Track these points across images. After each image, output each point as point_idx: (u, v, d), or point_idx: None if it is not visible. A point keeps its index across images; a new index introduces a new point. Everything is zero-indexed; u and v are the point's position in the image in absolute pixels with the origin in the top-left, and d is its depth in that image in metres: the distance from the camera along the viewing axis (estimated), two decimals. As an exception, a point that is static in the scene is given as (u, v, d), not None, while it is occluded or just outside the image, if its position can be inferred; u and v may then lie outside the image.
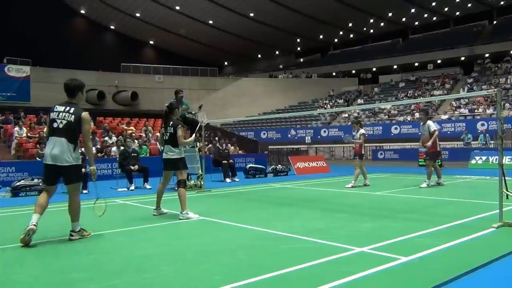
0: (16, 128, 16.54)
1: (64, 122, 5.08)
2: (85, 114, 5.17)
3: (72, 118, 5.07)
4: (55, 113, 5.14)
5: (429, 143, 10.35)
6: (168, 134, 6.84)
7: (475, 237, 4.91)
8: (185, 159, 6.91)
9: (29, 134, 16.32)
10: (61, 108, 5.15)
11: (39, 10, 36.44)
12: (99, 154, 15.25)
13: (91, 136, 5.72)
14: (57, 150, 5.04)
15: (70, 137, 5.08)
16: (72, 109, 5.13)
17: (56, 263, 4.24)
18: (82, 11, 44.26)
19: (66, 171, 5.10)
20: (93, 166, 5.40)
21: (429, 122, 10.73)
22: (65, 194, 9.62)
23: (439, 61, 40.55)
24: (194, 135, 7.72)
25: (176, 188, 6.85)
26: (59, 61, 33.76)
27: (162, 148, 7.32)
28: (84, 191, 10.65)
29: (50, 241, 5.16)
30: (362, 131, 11.40)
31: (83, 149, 11.46)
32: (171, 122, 6.87)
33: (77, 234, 5.22)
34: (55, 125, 5.09)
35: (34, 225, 4.89)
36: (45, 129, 5.38)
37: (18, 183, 10.49)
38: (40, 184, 10.57)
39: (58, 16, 39.66)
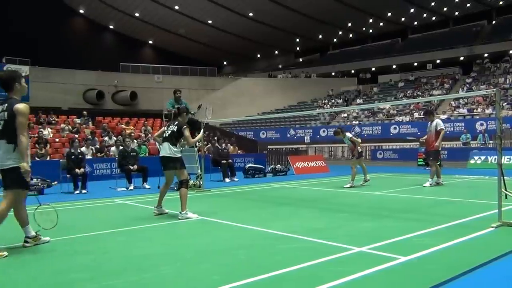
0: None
1: (2, 122, 4.57)
2: (19, 106, 4.52)
3: (6, 115, 4.53)
4: None
5: (437, 143, 10.41)
6: (169, 131, 6.86)
7: (474, 237, 4.91)
8: (182, 158, 6.92)
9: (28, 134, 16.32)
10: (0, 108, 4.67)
11: (38, 9, 36.37)
12: (98, 154, 15.27)
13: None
14: None
15: (9, 136, 4.53)
16: (6, 105, 4.59)
17: (55, 263, 4.24)
18: (81, 11, 44.21)
19: (5, 174, 4.58)
20: (24, 163, 4.51)
21: (438, 120, 10.83)
22: (64, 193, 9.60)
23: (438, 61, 40.58)
24: (202, 132, 7.82)
25: (175, 188, 6.86)
26: (58, 61, 33.74)
27: (160, 146, 7.32)
28: (84, 191, 10.67)
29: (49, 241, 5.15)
30: (348, 135, 11.41)
31: (83, 148, 11.35)
32: (176, 122, 6.94)
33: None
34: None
35: (26, 241, 4.80)
36: None
37: (17, 183, 10.48)
38: (40, 184, 10.58)
39: (57, 16, 39.60)
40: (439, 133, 10.49)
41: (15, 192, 4.60)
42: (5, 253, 4.45)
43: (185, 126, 6.83)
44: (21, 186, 4.63)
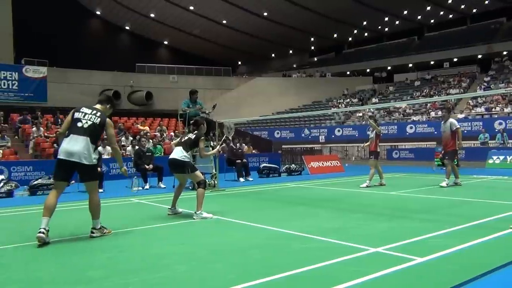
0: (34, 129, 16.80)
1: (90, 123, 5.35)
2: (109, 120, 5.59)
3: (98, 121, 5.40)
4: (81, 113, 5.41)
5: (460, 142, 10.45)
6: (187, 137, 7.01)
7: (492, 238, 4.84)
8: (191, 163, 6.98)
9: (45, 134, 16.58)
10: (88, 111, 5.44)
11: (55, 11, 36.94)
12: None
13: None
14: (78, 147, 5.19)
15: (93, 138, 5.35)
16: (99, 113, 5.49)
17: (73, 260, 4.30)
18: (98, 12, 44.76)
19: (83, 169, 5.27)
20: (123, 166, 5.83)
21: (452, 120, 10.67)
22: (82, 192, 9.73)
23: (455, 59, 39.91)
24: (217, 148, 8.09)
25: (190, 188, 6.91)
26: (75, 62, 34.20)
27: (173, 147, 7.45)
28: (100, 190, 10.80)
29: (67, 239, 5.25)
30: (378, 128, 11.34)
31: (100, 148, 11.58)
32: (196, 131, 7.08)
33: (98, 231, 5.36)
34: (79, 124, 5.33)
35: (43, 232, 4.88)
36: (62, 126, 5.66)
37: (35, 182, 10.68)
38: (57, 183, 10.74)
39: (74, 17, 40.16)
40: (455, 133, 10.36)
41: (94, 183, 5.49)
42: (111, 230, 5.54)
43: (202, 138, 6.96)
44: (97, 179, 5.62)
